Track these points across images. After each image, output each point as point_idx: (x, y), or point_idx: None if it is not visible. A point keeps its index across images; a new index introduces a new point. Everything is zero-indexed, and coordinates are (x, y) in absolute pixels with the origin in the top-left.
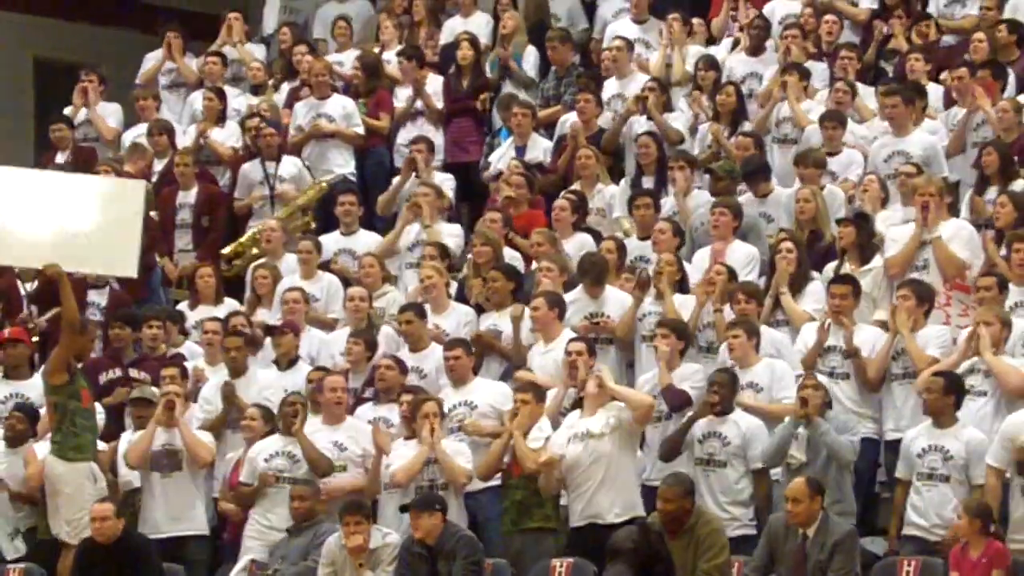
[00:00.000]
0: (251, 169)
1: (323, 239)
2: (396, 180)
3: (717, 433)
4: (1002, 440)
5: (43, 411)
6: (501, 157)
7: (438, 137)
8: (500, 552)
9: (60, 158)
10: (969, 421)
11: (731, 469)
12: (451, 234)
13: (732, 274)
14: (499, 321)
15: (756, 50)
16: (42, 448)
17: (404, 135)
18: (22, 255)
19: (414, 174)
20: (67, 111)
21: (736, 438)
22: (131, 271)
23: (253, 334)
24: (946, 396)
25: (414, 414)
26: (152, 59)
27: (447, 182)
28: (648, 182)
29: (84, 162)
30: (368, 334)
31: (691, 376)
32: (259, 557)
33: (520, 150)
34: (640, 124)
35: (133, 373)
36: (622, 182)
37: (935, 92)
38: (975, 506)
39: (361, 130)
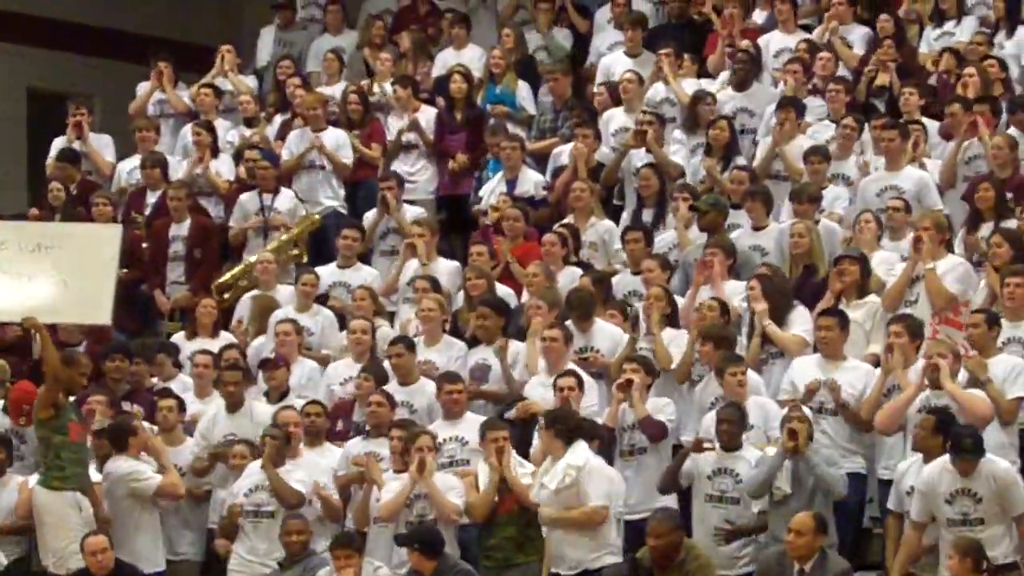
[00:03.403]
0: (248, 200)
1: (319, 271)
2: (371, 216)
3: (728, 470)
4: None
5: None
6: (492, 191)
7: (430, 169)
8: None
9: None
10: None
11: (743, 506)
12: (448, 272)
13: (724, 309)
14: (489, 355)
15: (742, 84)
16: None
17: (396, 167)
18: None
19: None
20: (57, 142)
21: (747, 475)
22: (105, 318)
23: (247, 368)
24: (935, 435)
25: (407, 448)
26: (144, 88)
27: (420, 217)
28: (648, 215)
29: (87, 195)
30: (379, 370)
31: (663, 409)
32: None
33: (511, 183)
34: (639, 157)
35: (125, 406)
36: (623, 215)
37: (931, 127)
38: (964, 545)
39: (350, 161)
